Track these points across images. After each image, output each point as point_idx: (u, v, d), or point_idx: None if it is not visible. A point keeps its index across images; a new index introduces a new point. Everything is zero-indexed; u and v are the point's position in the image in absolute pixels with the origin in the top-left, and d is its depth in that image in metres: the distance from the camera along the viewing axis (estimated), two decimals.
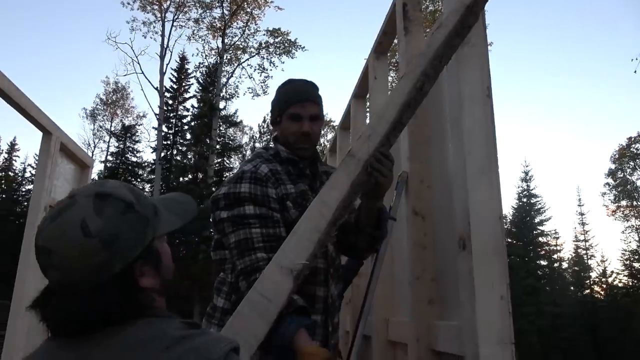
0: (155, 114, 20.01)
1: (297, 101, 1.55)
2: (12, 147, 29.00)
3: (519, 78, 48.27)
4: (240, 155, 24.24)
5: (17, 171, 28.65)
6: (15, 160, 29.10)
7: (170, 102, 24.35)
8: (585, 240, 27.35)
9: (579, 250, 27.34)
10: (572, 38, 45.82)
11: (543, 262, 25.13)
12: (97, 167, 27.41)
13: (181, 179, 21.05)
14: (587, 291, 26.64)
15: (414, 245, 1.79)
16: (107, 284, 0.74)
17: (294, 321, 1.20)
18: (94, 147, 27.43)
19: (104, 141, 27.98)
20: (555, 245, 26.31)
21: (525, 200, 25.54)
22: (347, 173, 1.23)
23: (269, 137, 27.89)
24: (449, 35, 1.37)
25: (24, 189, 27.04)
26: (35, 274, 3.10)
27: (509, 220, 26.98)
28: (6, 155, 28.90)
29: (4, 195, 27.46)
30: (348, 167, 1.25)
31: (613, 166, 28.90)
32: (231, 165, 22.71)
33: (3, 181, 28.12)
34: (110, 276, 0.74)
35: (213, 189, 16.62)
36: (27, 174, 27.19)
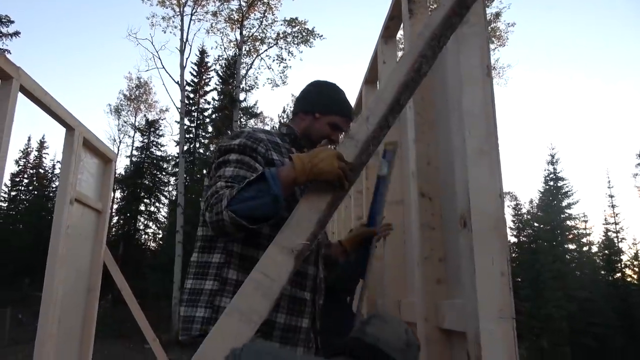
0: (177, 108, 20.26)
1: (347, 116, 1.69)
2: (42, 145, 29.91)
3: (544, 59, 47.02)
4: None
5: (47, 168, 29.55)
6: (45, 158, 30.01)
7: (191, 95, 24.67)
8: (616, 223, 26.68)
9: (609, 234, 26.70)
10: (605, 17, 44.31)
11: (571, 246, 24.65)
12: (124, 162, 28.06)
13: (204, 171, 21.32)
14: (618, 275, 26.02)
15: (421, 226, 1.81)
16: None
17: (265, 173, 1.29)
18: (120, 142, 28.01)
19: (129, 136, 28.55)
20: (584, 229, 25.75)
21: (552, 183, 25.00)
22: (346, 155, 1.26)
23: None
24: (446, 15, 1.37)
25: (54, 186, 27.86)
26: (63, 267, 3.24)
27: (535, 204, 26.51)
28: (36, 153, 29.81)
29: (36, 192, 28.38)
30: (347, 149, 1.28)
31: None
32: None
33: (34, 178, 29.03)
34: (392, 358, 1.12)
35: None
36: (57, 171, 27.98)
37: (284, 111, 28.92)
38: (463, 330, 1.40)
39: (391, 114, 1.30)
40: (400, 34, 2.49)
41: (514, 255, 24.81)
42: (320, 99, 1.68)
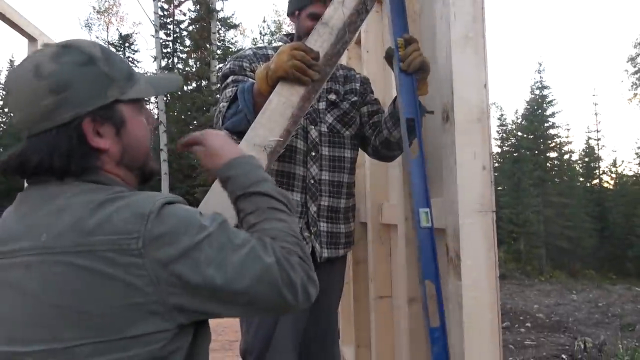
0: (151, 20, 19.13)
1: (321, 0, 1.55)
2: (12, 64, 28.48)
3: None
4: None
5: None
6: None
7: (165, 6, 23.19)
8: (597, 131, 27.07)
9: (590, 141, 27.17)
10: None
11: (552, 154, 25.13)
12: None
13: (184, 87, 20.72)
14: (596, 181, 26.89)
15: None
16: (54, 131, 0.74)
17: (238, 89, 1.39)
18: None
19: None
20: (566, 137, 26.12)
21: (537, 92, 24.87)
22: (320, 43, 1.15)
23: (270, 38, 26.82)
24: None
25: None
26: None
27: (520, 114, 26.62)
28: (6, 73, 28.50)
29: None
30: (320, 37, 1.16)
31: (635, 52, 27.64)
32: None
33: None
34: (57, 124, 0.74)
35: (217, 95, 16.43)
36: None
37: (264, 21, 27.56)
38: (443, 226, 1.39)
39: None
40: None
41: (496, 164, 25.31)
42: None
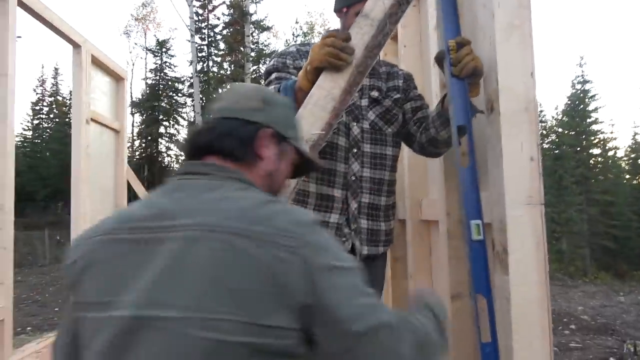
0: (187, 25, 19.57)
1: None
2: (57, 72, 29.71)
3: None
4: None
5: (64, 95, 29.56)
6: (61, 85, 29.93)
7: (200, 11, 23.70)
8: None
9: (637, 137, 25.97)
10: None
11: (596, 151, 24.15)
12: (140, 85, 27.83)
13: (219, 90, 21.10)
14: None
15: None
16: (241, 121, 0.91)
17: (280, 86, 1.41)
18: (133, 64, 27.57)
19: (142, 58, 28.04)
20: (611, 133, 25.07)
21: (579, 86, 23.95)
22: (361, 36, 1.14)
23: (302, 39, 26.97)
24: None
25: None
26: (87, 185, 3.28)
27: (560, 110, 25.75)
28: (52, 81, 29.71)
29: (57, 120, 28.69)
30: (361, 29, 1.15)
31: None
32: None
33: (54, 106, 29.21)
34: (247, 119, 0.91)
35: None
36: None
37: (296, 22, 27.73)
38: (488, 221, 1.35)
39: None
40: None
41: None
42: None
